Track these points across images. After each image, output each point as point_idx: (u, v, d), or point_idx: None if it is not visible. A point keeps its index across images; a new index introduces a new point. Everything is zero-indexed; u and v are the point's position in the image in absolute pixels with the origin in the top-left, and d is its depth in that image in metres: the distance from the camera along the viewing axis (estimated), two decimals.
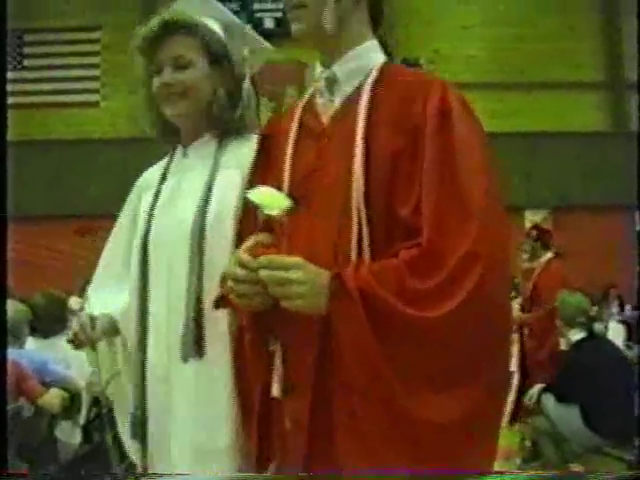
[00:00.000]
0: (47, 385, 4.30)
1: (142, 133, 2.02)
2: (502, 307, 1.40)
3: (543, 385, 4.93)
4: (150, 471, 1.85)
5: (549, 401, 4.78)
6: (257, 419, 1.56)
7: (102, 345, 2.00)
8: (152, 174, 2.03)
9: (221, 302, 1.63)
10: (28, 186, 7.82)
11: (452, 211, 1.36)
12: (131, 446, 1.94)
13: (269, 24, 10.46)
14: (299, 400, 1.42)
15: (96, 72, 10.43)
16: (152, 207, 1.93)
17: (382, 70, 1.53)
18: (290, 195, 1.48)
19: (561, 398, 4.70)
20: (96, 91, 10.51)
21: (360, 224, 1.40)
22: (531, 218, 10.43)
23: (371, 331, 1.30)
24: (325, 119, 1.53)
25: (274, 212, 1.41)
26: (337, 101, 1.53)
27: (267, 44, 2.02)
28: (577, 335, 4.87)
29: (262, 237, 1.52)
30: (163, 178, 1.97)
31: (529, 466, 4.98)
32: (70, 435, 4.35)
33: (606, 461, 4.48)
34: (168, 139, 2.01)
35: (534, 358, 5.51)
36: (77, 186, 9.05)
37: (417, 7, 10.82)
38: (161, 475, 1.80)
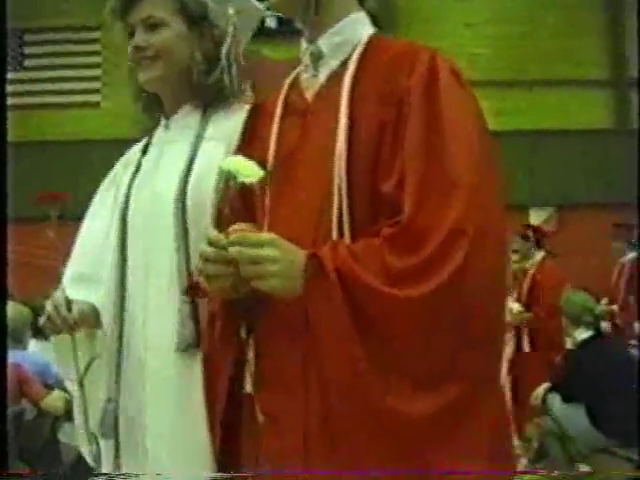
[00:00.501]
0: (50, 387, 4.29)
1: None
2: (493, 292, 1.29)
3: (549, 385, 4.91)
4: (123, 470, 1.72)
5: (555, 401, 4.76)
6: (222, 416, 1.45)
7: (81, 335, 1.82)
8: (135, 149, 1.93)
9: (194, 289, 1.55)
10: (27, 187, 7.80)
11: (436, 185, 1.27)
12: (89, 444, 1.78)
13: (270, 23, 10.44)
14: (273, 394, 1.34)
15: (97, 72, 10.40)
16: (131, 181, 1.82)
17: (369, 43, 1.45)
18: (263, 164, 1.39)
19: (567, 398, 4.68)
20: (97, 91, 10.49)
21: (341, 201, 1.32)
22: (535, 216, 10.40)
23: (350, 316, 1.22)
24: (309, 95, 1.46)
25: (248, 180, 1.32)
26: (322, 76, 1.46)
27: (257, 3, 1.85)
28: (583, 334, 4.84)
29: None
30: (144, 152, 1.87)
31: (535, 466, 4.96)
32: (73, 437, 4.32)
33: (613, 461, 4.46)
34: (152, 111, 1.90)
35: (543, 359, 5.46)
36: (77, 187, 9.01)
37: (419, 5, 10.78)
38: (137, 475, 1.67)
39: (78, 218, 2.01)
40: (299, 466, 1.28)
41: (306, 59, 1.48)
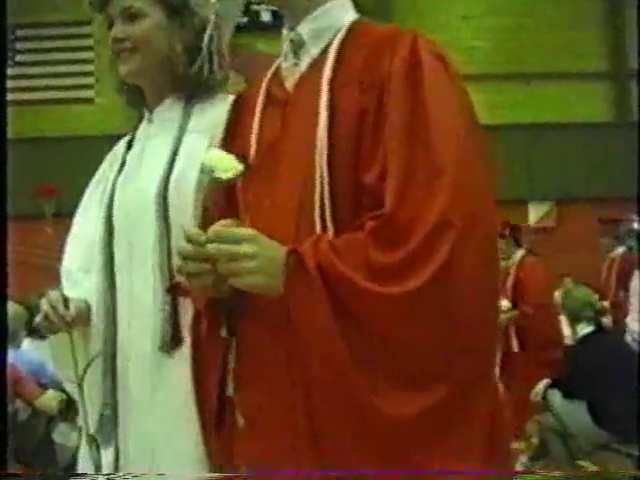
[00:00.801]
0: (44, 387, 4.27)
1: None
2: (483, 287, 1.22)
3: (549, 381, 4.88)
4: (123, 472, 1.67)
5: (556, 397, 4.73)
6: (214, 417, 1.40)
7: (75, 334, 1.77)
8: (121, 144, 1.88)
9: (175, 288, 1.50)
10: (22, 184, 7.79)
11: (419, 174, 1.20)
12: (90, 448, 1.72)
13: (266, 17, 10.40)
14: (255, 395, 1.29)
15: (90, 67, 10.35)
16: (116, 178, 1.77)
17: (351, 28, 1.39)
18: (243, 159, 1.33)
19: (568, 394, 4.65)
20: (90, 87, 10.44)
21: (323, 195, 1.26)
22: (534, 211, 10.38)
23: (332, 313, 1.16)
24: (290, 85, 1.40)
25: (225, 175, 1.27)
26: (303, 65, 1.39)
27: None
28: (584, 329, 4.81)
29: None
30: (129, 147, 1.82)
31: (536, 464, 4.93)
32: (68, 438, 4.29)
33: (615, 458, 4.43)
34: (136, 104, 1.85)
35: (537, 359, 5.40)
36: (72, 183, 8.98)
37: None
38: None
39: (73, 215, 1.98)
40: (283, 468, 1.24)
41: (286, 47, 1.42)
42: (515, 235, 5.81)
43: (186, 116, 1.73)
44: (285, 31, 1.43)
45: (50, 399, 4.18)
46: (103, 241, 1.76)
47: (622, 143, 9.46)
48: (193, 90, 1.75)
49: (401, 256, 1.16)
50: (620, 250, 7.17)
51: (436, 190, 1.18)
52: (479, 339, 1.22)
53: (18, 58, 10.41)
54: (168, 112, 1.77)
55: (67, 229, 1.96)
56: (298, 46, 1.39)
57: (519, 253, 5.77)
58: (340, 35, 1.37)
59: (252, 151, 1.38)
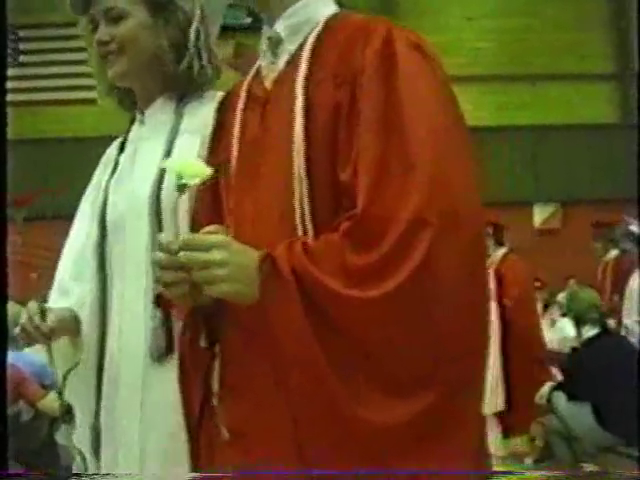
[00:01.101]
0: (47, 388, 4.26)
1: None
2: (467, 288, 1.15)
3: (554, 383, 4.86)
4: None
5: (560, 399, 4.71)
6: (198, 429, 1.37)
7: (62, 343, 1.74)
8: (113, 146, 1.85)
9: (160, 298, 1.46)
10: (23, 186, 7.79)
11: (393, 170, 1.14)
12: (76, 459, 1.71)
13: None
14: (241, 406, 1.25)
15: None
16: (108, 181, 1.74)
17: (328, 22, 1.33)
18: (212, 163, 1.30)
19: (573, 396, 4.63)
20: (93, 88, 10.43)
21: (302, 195, 1.22)
22: (539, 212, 10.35)
23: (308, 319, 1.12)
24: (269, 83, 1.35)
25: (194, 181, 1.24)
26: (281, 62, 1.34)
27: None
28: (590, 331, 4.79)
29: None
30: (121, 149, 1.79)
31: (541, 466, 4.91)
32: (71, 439, 4.28)
33: (620, 460, 4.41)
34: (127, 106, 1.82)
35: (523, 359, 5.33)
36: (73, 185, 8.97)
37: None
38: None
39: (73, 216, 1.96)
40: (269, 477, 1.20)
41: (264, 45, 1.37)
42: (497, 234, 5.76)
43: (178, 117, 1.70)
44: (264, 29, 1.39)
45: (53, 400, 4.15)
46: (96, 245, 1.73)
47: (627, 145, 9.43)
48: (184, 88, 1.71)
49: (375, 258, 1.11)
50: (613, 253, 7.16)
51: (410, 187, 1.13)
52: (467, 341, 1.17)
53: (21, 59, 10.42)
54: (160, 113, 1.73)
55: (66, 231, 1.94)
56: (276, 43, 1.35)
57: (500, 252, 5.71)
58: (317, 30, 1.32)
59: (234, 151, 1.35)
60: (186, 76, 1.69)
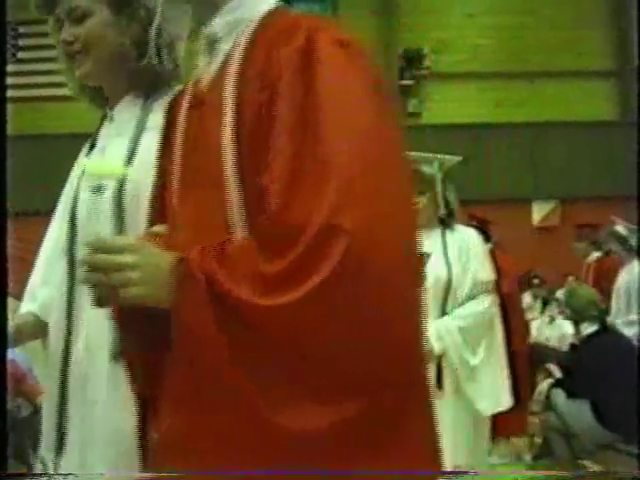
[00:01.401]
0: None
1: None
2: (391, 296, 1.09)
3: (553, 380, 4.86)
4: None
5: (559, 397, 4.71)
6: (144, 429, 1.34)
7: (37, 345, 1.74)
8: (86, 145, 1.85)
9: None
10: (22, 182, 7.77)
11: (307, 175, 1.08)
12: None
13: None
14: (162, 413, 1.22)
15: None
16: (79, 180, 1.72)
17: (264, 19, 1.28)
18: (162, 164, 1.29)
19: (571, 394, 4.63)
20: None
21: (232, 199, 1.18)
22: (538, 210, 10.34)
23: (220, 327, 1.07)
24: (205, 84, 1.31)
25: (110, 182, 1.23)
26: (217, 61, 1.30)
27: None
28: (588, 328, 4.78)
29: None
30: (91, 147, 1.78)
31: (539, 463, 4.91)
32: None
33: (618, 457, 4.41)
34: (99, 103, 1.82)
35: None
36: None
37: None
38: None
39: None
40: None
41: (201, 44, 1.32)
42: (481, 229, 5.75)
43: (144, 114, 1.69)
44: (202, 28, 1.34)
45: None
46: (67, 242, 1.72)
47: (626, 142, 9.41)
48: (150, 86, 1.71)
49: (285, 265, 1.06)
50: (595, 255, 7.17)
51: (324, 192, 1.06)
52: (398, 347, 1.11)
53: (20, 55, 10.40)
54: (126, 110, 1.73)
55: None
56: (213, 42, 1.31)
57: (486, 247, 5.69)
58: (250, 28, 1.27)
59: (177, 153, 1.33)
60: (150, 73, 1.68)
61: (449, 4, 10.69)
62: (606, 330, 4.84)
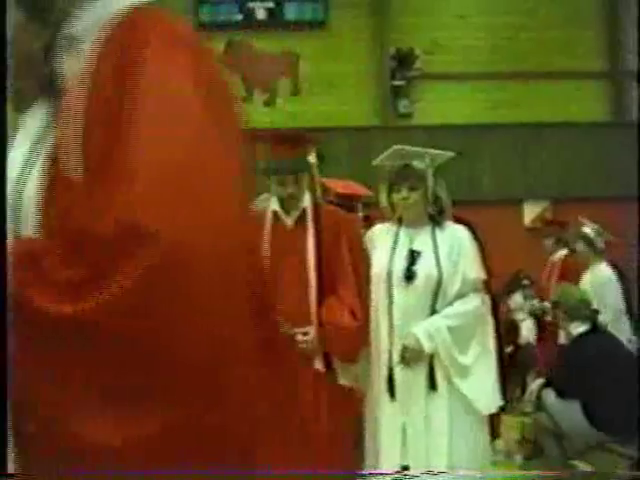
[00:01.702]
0: None
1: None
2: (204, 306, 1.03)
3: (543, 380, 4.86)
4: None
5: (549, 397, 4.70)
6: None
7: None
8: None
9: None
10: None
11: (108, 180, 1.02)
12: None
13: (261, 15, 10.34)
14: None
15: None
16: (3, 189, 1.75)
17: (118, 17, 1.19)
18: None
19: (562, 393, 4.62)
20: None
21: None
22: (530, 210, 10.34)
23: (18, 330, 1.00)
24: (68, 86, 1.24)
25: None
26: (80, 61, 1.21)
27: None
28: (579, 328, 4.77)
29: None
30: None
31: (530, 463, 4.91)
32: None
33: (609, 458, 4.41)
34: (22, 109, 1.83)
35: None
36: None
37: None
38: None
39: None
40: None
41: (61, 42, 1.26)
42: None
43: (50, 117, 1.68)
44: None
45: None
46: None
47: (619, 142, 9.42)
48: (53, 89, 1.70)
49: (75, 271, 1.01)
50: (560, 253, 7.19)
51: (124, 197, 1.01)
52: (203, 358, 1.05)
53: None
54: (37, 114, 1.72)
55: None
56: (71, 42, 1.26)
57: None
58: (105, 26, 1.19)
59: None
60: (53, 76, 1.68)
61: (441, 5, 10.68)
62: (596, 330, 4.84)
